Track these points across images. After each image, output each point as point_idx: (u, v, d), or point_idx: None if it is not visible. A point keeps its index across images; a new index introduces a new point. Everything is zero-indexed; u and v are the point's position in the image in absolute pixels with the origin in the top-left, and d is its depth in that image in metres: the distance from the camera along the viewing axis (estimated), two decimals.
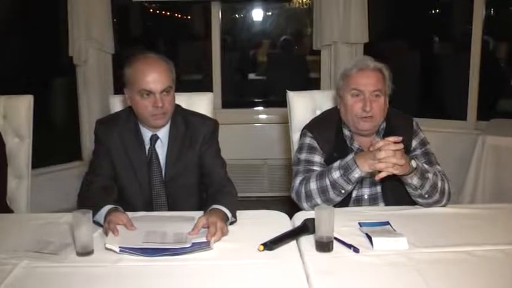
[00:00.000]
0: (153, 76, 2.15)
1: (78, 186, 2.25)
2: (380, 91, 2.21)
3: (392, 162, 1.96)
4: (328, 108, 2.53)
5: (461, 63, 4.43)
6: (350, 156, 2.07)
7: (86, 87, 4.52)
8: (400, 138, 2.00)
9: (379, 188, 2.28)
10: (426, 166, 2.15)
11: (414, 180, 2.04)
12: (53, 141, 4.68)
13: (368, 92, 2.20)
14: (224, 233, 1.86)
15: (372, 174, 2.10)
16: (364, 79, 2.22)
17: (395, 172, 1.99)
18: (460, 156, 3.93)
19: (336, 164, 2.11)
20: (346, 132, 2.31)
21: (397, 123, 2.32)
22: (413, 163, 2.04)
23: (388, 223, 1.96)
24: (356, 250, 1.75)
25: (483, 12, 4.28)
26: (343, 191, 2.09)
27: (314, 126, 2.37)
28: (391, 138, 1.99)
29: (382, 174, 2.00)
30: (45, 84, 4.70)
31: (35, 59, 4.55)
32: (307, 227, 1.86)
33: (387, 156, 1.96)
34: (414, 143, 2.30)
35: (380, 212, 2.15)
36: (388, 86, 2.28)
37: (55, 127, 4.99)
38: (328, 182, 2.09)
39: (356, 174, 2.04)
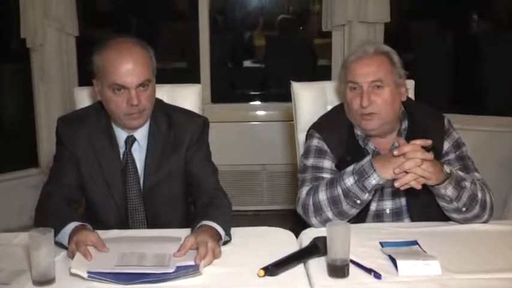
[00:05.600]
0: (128, 67, 2.15)
1: (36, 198, 2.26)
2: (381, 81, 2.23)
3: (418, 174, 1.98)
4: (341, 102, 2.55)
5: (506, 46, 4.43)
6: (367, 159, 2.08)
7: (43, 76, 4.52)
8: (429, 142, 2.02)
9: (403, 200, 2.30)
10: (462, 173, 2.16)
11: (449, 191, 2.05)
12: (2, 145, 4.68)
13: (366, 83, 2.23)
14: (216, 254, 1.87)
15: (393, 183, 2.11)
16: (361, 68, 2.25)
17: (417, 187, 2.00)
18: (505, 161, 3.94)
19: (350, 168, 2.12)
20: (358, 131, 2.34)
21: (423, 121, 2.34)
22: (447, 168, 2.05)
23: (416, 243, 1.97)
24: (377, 276, 1.76)
25: None
26: (358, 202, 2.10)
27: (323, 126, 2.40)
28: (419, 141, 2.01)
29: (406, 186, 2.01)
30: None
31: None
32: (317, 248, 1.88)
33: (414, 167, 1.97)
34: (446, 145, 2.31)
35: (406, 229, 2.16)
36: (399, 74, 2.29)
37: (4, 126, 4.99)
38: (340, 191, 2.10)
39: (373, 180, 2.05)
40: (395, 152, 1.99)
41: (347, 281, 1.75)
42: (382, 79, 2.23)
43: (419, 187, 2.01)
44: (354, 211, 2.13)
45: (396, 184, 2.01)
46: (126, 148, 2.30)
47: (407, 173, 1.98)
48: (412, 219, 2.29)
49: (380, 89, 2.23)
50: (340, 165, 2.23)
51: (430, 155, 1.98)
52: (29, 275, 1.76)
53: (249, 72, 5.65)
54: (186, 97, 2.67)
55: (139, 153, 2.31)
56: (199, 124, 2.38)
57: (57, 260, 1.84)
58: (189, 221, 2.25)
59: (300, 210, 2.21)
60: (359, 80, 2.23)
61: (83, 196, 2.33)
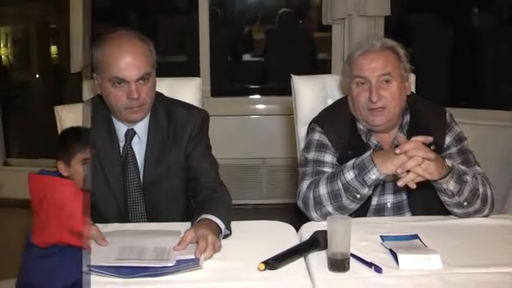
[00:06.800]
0: (127, 61, 2.14)
1: None
2: (390, 75, 2.22)
3: (418, 173, 1.98)
4: (341, 96, 2.55)
5: (507, 40, 4.42)
6: (367, 154, 2.08)
7: None
8: (430, 139, 2.02)
9: (404, 195, 2.30)
10: (463, 167, 2.16)
11: (450, 185, 2.05)
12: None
13: (374, 78, 2.21)
14: (216, 248, 1.87)
15: (393, 178, 2.11)
16: (369, 63, 2.23)
17: (412, 186, 2.01)
18: (505, 155, 3.94)
19: (350, 162, 2.12)
20: (361, 126, 2.33)
21: (425, 115, 2.33)
22: (449, 162, 2.05)
23: (417, 237, 1.97)
24: (378, 270, 1.76)
25: None
26: (358, 196, 2.10)
27: (324, 120, 2.39)
28: (420, 138, 2.01)
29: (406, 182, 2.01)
30: None
31: None
32: (317, 242, 1.87)
33: (415, 165, 1.97)
34: (448, 139, 2.31)
35: (407, 223, 2.16)
36: (405, 68, 2.29)
37: None
38: (340, 185, 2.10)
39: (373, 175, 2.05)
40: (397, 151, 1.99)
41: (347, 275, 1.74)
42: (390, 73, 2.22)
43: (413, 186, 2.01)
44: (354, 206, 2.13)
45: (399, 184, 2.01)
46: (126, 142, 2.30)
47: (409, 170, 1.99)
48: (413, 214, 2.29)
49: (388, 84, 2.22)
50: (342, 160, 2.23)
51: (431, 154, 1.97)
52: None
53: (248, 66, 5.64)
54: (186, 91, 2.67)
55: (139, 147, 2.31)
56: (199, 118, 2.37)
57: None
58: (189, 215, 2.25)
59: (300, 204, 2.21)
60: (367, 75, 2.22)
61: None
